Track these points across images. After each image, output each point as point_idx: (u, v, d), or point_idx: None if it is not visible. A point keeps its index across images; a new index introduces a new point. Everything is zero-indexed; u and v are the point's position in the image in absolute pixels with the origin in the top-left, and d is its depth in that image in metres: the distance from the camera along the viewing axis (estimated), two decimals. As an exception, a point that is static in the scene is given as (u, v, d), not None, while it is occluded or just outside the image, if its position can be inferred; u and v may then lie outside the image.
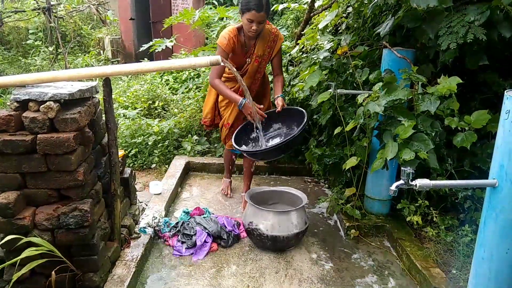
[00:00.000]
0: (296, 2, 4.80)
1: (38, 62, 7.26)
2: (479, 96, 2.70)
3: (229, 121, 3.12)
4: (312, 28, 3.91)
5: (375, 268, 2.63)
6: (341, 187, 3.18)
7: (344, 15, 3.60)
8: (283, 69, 3.61)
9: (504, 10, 2.15)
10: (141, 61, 5.09)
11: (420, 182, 1.66)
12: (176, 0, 7.72)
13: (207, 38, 7.62)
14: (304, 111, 2.76)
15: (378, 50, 3.09)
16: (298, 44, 4.13)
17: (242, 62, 2.97)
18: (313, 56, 3.41)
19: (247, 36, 2.88)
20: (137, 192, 3.15)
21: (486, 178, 1.70)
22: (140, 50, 5.10)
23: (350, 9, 3.55)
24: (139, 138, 4.22)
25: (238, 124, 3.04)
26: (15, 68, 7.19)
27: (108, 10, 9.81)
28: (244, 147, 2.90)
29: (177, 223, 2.91)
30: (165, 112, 5.04)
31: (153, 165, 4.06)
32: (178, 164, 3.91)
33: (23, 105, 2.00)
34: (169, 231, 2.84)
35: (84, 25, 9.27)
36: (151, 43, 4.80)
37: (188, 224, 2.87)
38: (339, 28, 3.81)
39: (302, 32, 4.25)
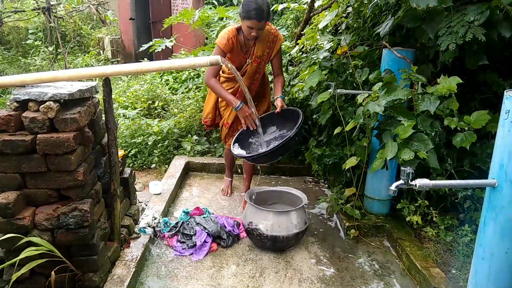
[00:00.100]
0: (296, 2, 4.80)
1: (38, 62, 7.26)
2: (479, 96, 2.70)
3: (229, 121, 3.13)
4: (312, 28, 3.91)
5: (375, 268, 2.63)
6: (341, 187, 3.18)
7: (344, 15, 3.60)
8: (283, 69, 3.60)
9: (503, 10, 2.15)
10: (141, 61, 5.09)
11: (420, 182, 1.66)
12: (176, 0, 7.72)
13: (207, 38, 7.62)
14: (300, 111, 2.75)
15: (378, 50, 3.09)
16: (298, 44, 4.13)
17: (241, 62, 2.97)
18: (313, 56, 3.41)
19: (246, 37, 2.87)
20: (137, 192, 3.15)
21: (486, 178, 1.70)
22: (140, 50, 5.11)
23: (350, 9, 3.55)
24: (139, 138, 4.22)
25: (238, 123, 3.04)
26: (15, 68, 7.19)
27: (108, 10, 9.82)
28: (243, 152, 2.87)
29: (177, 223, 2.91)
30: (165, 112, 5.04)
31: (153, 165, 4.06)
32: (178, 164, 3.91)
33: (23, 105, 2.00)
34: (169, 231, 2.84)
35: (84, 25, 9.27)
36: (151, 43, 4.80)
37: (188, 224, 2.87)
38: (339, 28, 3.81)
39: (302, 32, 4.25)
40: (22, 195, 2.01)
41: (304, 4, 4.52)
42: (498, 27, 2.20)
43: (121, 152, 2.71)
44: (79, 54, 8.23)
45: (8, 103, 2.01)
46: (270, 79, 3.44)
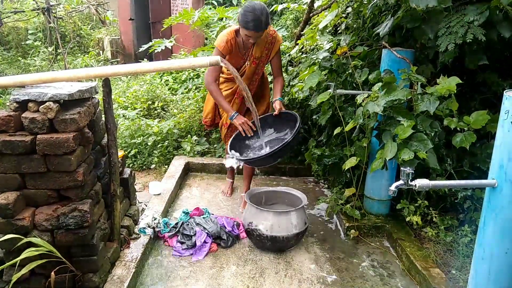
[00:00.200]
0: (295, 2, 4.81)
1: (38, 62, 7.25)
2: (479, 96, 2.70)
3: (228, 121, 3.13)
4: (311, 28, 3.92)
5: (375, 268, 2.63)
6: (341, 188, 3.18)
7: (344, 15, 3.60)
8: (283, 70, 3.60)
9: (503, 10, 2.15)
10: (140, 62, 5.09)
11: (420, 182, 1.66)
12: (176, 0, 7.72)
13: (206, 39, 7.62)
14: (297, 115, 2.75)
15: (378, 50, 3.10)
16: (297, 44, 4.13)
17: (239, 64, 2.97)
18: (313, 57, 3.41)
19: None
20: (136, 193, 3.15)
21: (486, 178, 1.70)
22: (140, 50, 5.11)
23: (349, 9, 3.55)
24: (139, 138, 4.22)
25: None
26: (15, 69, 7.18)
27: (108, 10, 9.82)
28: (237, 155, 2.86)
29: (176, 223, 2.91)
30: (164, 112, 5.04)
31: (153, 166, 4.06)
32: (177, 164, 3.91)
33: (23, 105, 2.00)
34: (168, 232, 2.84)
35: (84, 25, 9.26)
36: (150, 43, 4.81)
37: (188, 224, 2.87)
38: (338, 29, 3.81)
39: (302, 33, 4.26)
40: (22, 195, 2.01)
41: (303, 5, 4.53)
42: (498, 27, 2.20)
43: (121, 153, 2.71)
44: (79, 54, 8.22)
45: (8, 104, 2.01)
46: (270, 79, 3.44)
